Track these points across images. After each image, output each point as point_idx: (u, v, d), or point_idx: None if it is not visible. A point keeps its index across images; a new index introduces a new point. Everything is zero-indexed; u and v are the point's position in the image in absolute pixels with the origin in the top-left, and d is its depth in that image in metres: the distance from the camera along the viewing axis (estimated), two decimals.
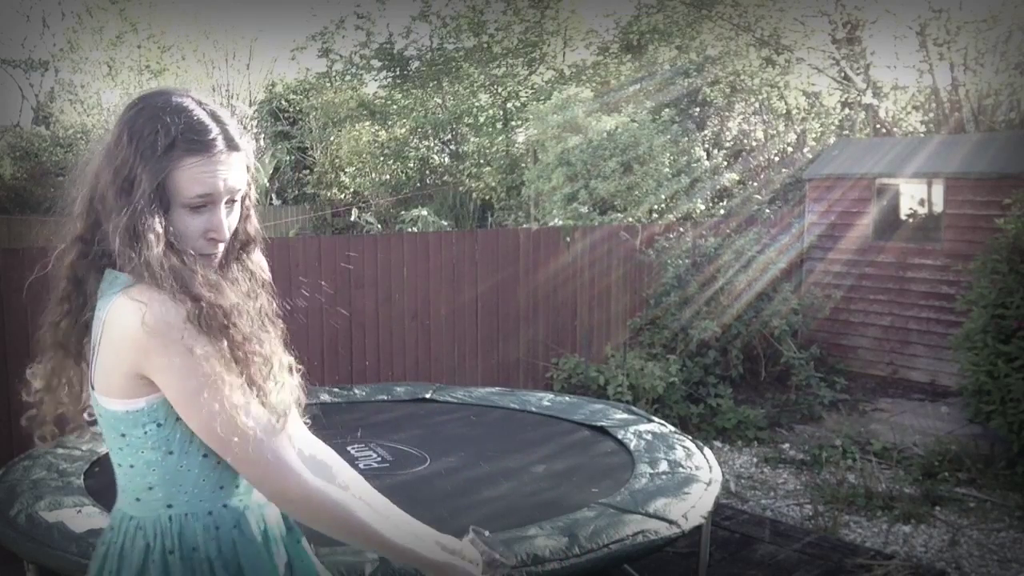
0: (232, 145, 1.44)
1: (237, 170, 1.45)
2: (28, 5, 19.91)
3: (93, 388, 1.46)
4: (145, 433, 1.44)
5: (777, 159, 11.10)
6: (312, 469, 1.51)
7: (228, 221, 1.47)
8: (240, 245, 1.56)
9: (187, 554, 1.47)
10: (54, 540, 2.82)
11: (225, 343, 1.38)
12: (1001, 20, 10.06)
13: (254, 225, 1.58)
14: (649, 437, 4.00)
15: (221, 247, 1.49)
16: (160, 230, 1.37)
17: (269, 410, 1.43)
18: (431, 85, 13.22)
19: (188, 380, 1.36)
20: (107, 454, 1.55)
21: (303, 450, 1.64)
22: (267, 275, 1.61)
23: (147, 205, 1.37)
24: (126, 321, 1.36)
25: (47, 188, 15.29)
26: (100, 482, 3.29)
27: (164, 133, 1.38)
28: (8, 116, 20.62)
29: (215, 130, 1.42)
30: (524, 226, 8.23)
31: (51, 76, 19.83)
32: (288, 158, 14.96)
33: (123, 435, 1.45)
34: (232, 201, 1.47)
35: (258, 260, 1.60)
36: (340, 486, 1.60)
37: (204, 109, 1.44)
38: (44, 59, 19.42)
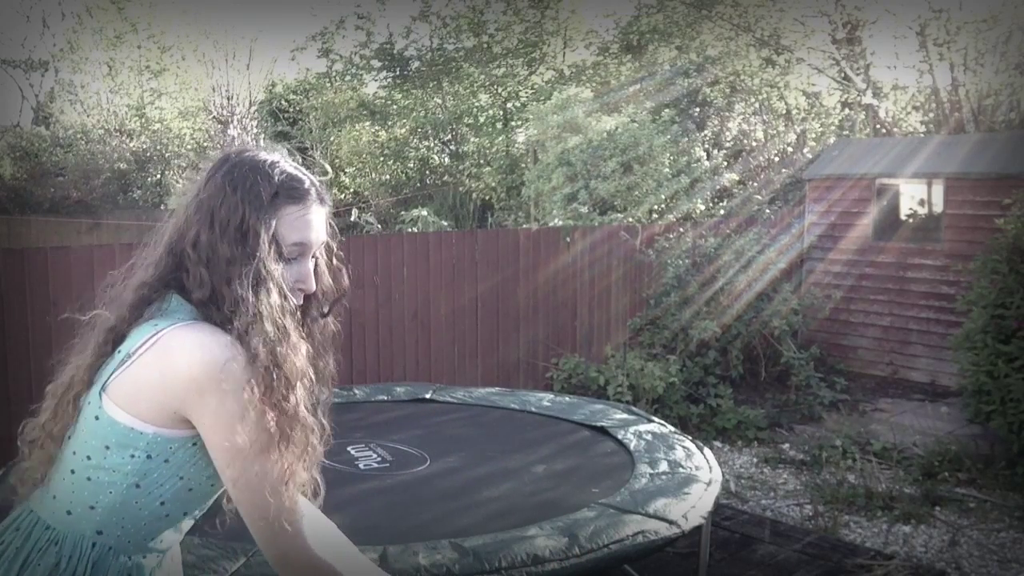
0: (322, 199, 1.51)
1: (323, 224, 1.52)
2: (28, 5, 19.94)
3: (103, 391, 1.41)
4: (131, 457, 1.40)
5: (777, 159, 11.10)
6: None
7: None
8: (334, 299, 1.62)
9: None
10: None
11: (277, 416, 1.39)
12: (1001, 20, 10.07)
13: (345, 280, 1.64)
14: (649, 437, 4.00)
15: (302, 298, 1.54)
16: (279, 277, 1.43)
17: (300, 484, 1.44)
18: (431, 85, 13.22)
19: (238, 435, 1.35)
20: None
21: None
22: (336, 327, 1.67)
23: (268, 252, 1.42)
24: (191, 358, 1.35)
25: (47, 188, 15.30)
26: None
27: (267, 183, 1.44)
28: (8, 116, 20.64)
29: (308, 182, 1.49)
30: (524, 226, 8.24)
31: (51, 76, 19.85)
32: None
33: (107, 447, 1.40)
34: (314, 256, 1.53)
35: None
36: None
37: (293, 164, 1.51)
38: (44, 59, 19.42)
